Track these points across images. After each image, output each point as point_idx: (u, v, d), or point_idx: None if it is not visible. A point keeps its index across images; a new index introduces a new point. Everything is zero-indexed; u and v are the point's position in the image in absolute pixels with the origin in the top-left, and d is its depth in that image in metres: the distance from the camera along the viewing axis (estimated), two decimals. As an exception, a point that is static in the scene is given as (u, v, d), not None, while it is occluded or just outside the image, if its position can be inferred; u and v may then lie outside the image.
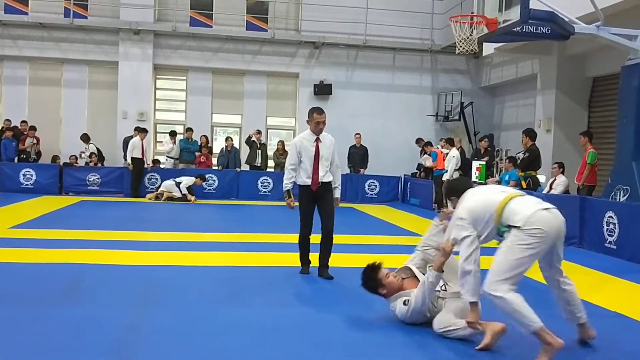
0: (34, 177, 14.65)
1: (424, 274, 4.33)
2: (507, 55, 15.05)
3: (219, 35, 16.83)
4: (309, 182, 6.06)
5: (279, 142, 16.22)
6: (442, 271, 4.16)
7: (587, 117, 13.49)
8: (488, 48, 14.09)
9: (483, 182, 12.19)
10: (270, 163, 16.19)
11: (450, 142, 14.47)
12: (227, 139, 16.04)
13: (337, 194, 6.25)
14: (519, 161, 11.60)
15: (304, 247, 6.24)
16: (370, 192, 16.05)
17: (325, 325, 4.43)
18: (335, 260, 6.25)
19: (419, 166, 16.11)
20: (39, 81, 16.83)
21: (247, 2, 17.21)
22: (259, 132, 15.76)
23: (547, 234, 3.70)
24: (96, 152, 15.62)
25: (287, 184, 6.18)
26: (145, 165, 14.87)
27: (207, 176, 14.86)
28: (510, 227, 3.76)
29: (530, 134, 11.16)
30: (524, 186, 10.91)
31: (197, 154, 15.56)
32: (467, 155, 15.49)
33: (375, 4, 16.65)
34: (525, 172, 11.10)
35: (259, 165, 15.68)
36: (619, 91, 9.65)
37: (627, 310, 5.14)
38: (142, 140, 14.58)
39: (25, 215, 10.23)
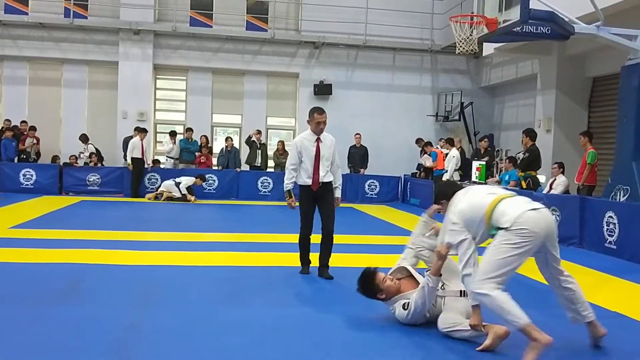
0: (34, 177, 14.65)
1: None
2: (507, 55, 15.05)
3: (219, 35, 16.83)
4: (309, 182, 6.06)
5: (279, 142, 16.22)
6: (441, 275, 4.18)
7: (587, 117, 13.49)
8: (488, 48, 14.10)
9: (483, 182, 12.20)
10: (270, 163, 16.19)
11: (450, 142, 14.48)
12: (227, 139, 16.04)
13: (338, 193, 6.25)
14: (519, 161, 11.60)
15: (304, 247, 6.24)
16: (370, 192, 16.05)
17: (325, 325, 4.42)
18: (335, 260, 6.25)
19: (419, 166, 16.11)
20: (39, 81, 16.83)
21: (247, 2, 17.21)
22: (259, 132, 15.76)
23: (536, 234, 3.71)
24: (95, 152, 15.62)
25: (287, 184, 6.17)
26: (145, 166, 14.87)
27: (207, 176, 14.85)
28: (499, 229, 3.77)
29: (531, 134, 11.16)
30: (524, 186, 10.92)
31: (197, 154, 15.56)
32: (467, 155, 15.49)
33: (375, 4, 16.65)
34: (525, 172, 11.10)
35: (259, 165, 15.68)
36: (619, 91, 9.65)
37: (627, 310, 5.14)
38: (142, 140, 14.58)
39: (25, 215, 10.23)
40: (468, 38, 10.29)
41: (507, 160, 12.37)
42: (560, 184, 10.66)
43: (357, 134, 16.19)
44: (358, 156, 16.15)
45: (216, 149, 16.62)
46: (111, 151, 16.17)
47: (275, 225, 9.91)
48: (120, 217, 10.74)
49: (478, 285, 3.73)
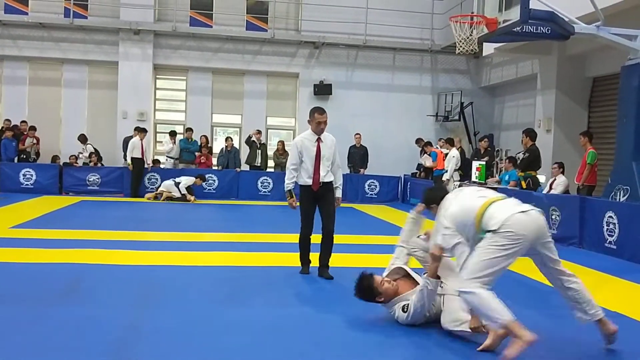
0: (34, 177, 14.65)
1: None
2: (507, 55, 15.05)
3: (219, 35, 16.83)
4: (310, 182, 6.06)
5: (279, 142, 16.22)
6: (438, 277, 4.18)
7: (587, 117, 13.49)
8: (488, 48, 14.09)
9: (483, 182, 12.20)
10: (270, 163, 16.19)
11: (450, 142, 14.48)
12: (227, 139, 16.04)
13: (339, 193, 6.25)
14: (519, 161, 11.60)
15: (304, 247, 6.23)
16: (370, 192, 16.05)
17: (325, 325, 4.42)
18: (335, 260, 6.24)
19: (419, 166, 16.11)
20: (39, 81, 16.83)
21: (247, 2, 17.20)
22: (259, 132, 15.76)
23: (524, 237, 3.72)
24: (94, 152, 15.62)
25: (288, 184, 6.16)
26: (145, 165, 14.87)
27: (207, 176, 14.86)
28: (488, 231, 3.78)
29: (531, 134, 11.15)
30: (524, 186, 10.92)
31: (197, 154, 15.56)
32: (467, 155, 15.49)
33: (375, 4, 16.65)
34: (525, 172, 11.10)
35: (259, 165, 15.68)
36: (619, 91, 9.65)
37: (627, 310, 5.14)
38: (141, 140, 14.58)
39: (25, 215, 10.23)
40: (468, 38, 10.29)
41: (507, 160, 12.37)
42: (560, 184, 10.66)
43: (357, 134, 16.19)
44: (358, 156, 16.15)
45: (216, 149, 16.62)
46: (111, 151, 16.17)
47: (275, 225, 9.91)
48: (120, 217, 10.74)
49: (463, 284, 3.77)
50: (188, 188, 14.08)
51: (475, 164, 12.89)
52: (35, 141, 15.30)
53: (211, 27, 16.69)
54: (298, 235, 6.24)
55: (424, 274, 4.36)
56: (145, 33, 16.39)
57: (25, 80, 16.74)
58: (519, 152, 12.23)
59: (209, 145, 16.22)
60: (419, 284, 4.42)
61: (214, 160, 16.14)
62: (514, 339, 3.59)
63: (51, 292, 5.11)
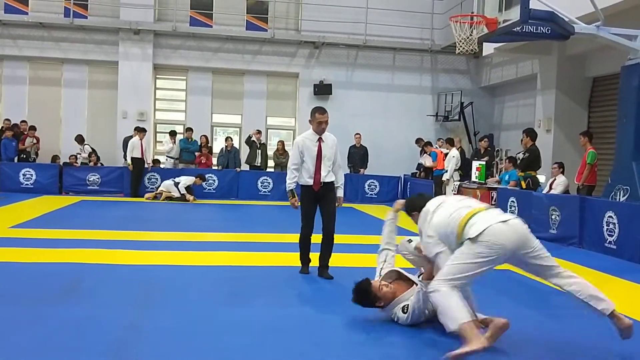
0: (34, 177, 14.65)
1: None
2: (507, 55, 15.05)
3: (219, 35, 16.83)
4: (311, 182, 6.05)
5: (279, 142, 16.22)
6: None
7: (587, 117, 13.49)
8: (488, 48, 14.09)
9: (483, 182, 12.21)
10: (270, 163, 16.20)
11: (450, 142, 14.47)
12: (227, 139, 16.04)
13: (340, 193, 6.25)
14: (518, 161, 11.59)
15: (304, 247, 6.23)
16: (370, 192, 16.05)
17: (325, 325, 4.43)
18: (335, 260, 6.25)
19: (419, 166, 16.11)
20: (39, 81, 16.83)
21: (247, 2, 17.20)
22: (259, 132, 15.76)
23: (502, 246, 3.72)
24: (92, 152, 15.61)
25: (290, 183, 6.16)
26: (145, 165, 14.87)
27: (207, 176, 14.86)
28: (467, 239, 3.79)
29: (531, 134, 11.15)
30: (524, 186, 10.92)
31: (197, 154, 15.56)
32: (467, 155, 15.49)
33: (375, 4, 16.65)
34: (525, 172, 11.09)
35: (258, 165, 15.69)
36: (619, 91, 9.65)
37: (627, 310, 5.12)
38: (141, 140, 14.58)
39: (25, 215, 10.23)
40: (468, 38, 10.29)
41: (507, 160, 12.37)
42: (560, 184, 10.66)
43: (357, 134, 16.19)
44: (358, 156, 16.15)
45: (216, 149, 16.62)
46: (111, 151, 16.18)
47: (276, 225, 9.91)
48: (120, 217, 10.74)
49: (433, 284, 3.80)
50: (188, 188, 14.08)
51: (475, 164, 12.89)
52: (35, 141, 15.30)
53: (211, 27, 16.69)
54: (298, 235, 6.23)
55: (418, 275, 4.37)
56: (145, 33, 16.40)
57: (25, 80, 16.74)
58: (519, 152, 12.22)
59: (209, 145, 16.22)
60: (414, 282, 4.44)
61: (214, 160, 16.14)
62: (463, 344, 3.55)
63: (51, 292, 5.11)
